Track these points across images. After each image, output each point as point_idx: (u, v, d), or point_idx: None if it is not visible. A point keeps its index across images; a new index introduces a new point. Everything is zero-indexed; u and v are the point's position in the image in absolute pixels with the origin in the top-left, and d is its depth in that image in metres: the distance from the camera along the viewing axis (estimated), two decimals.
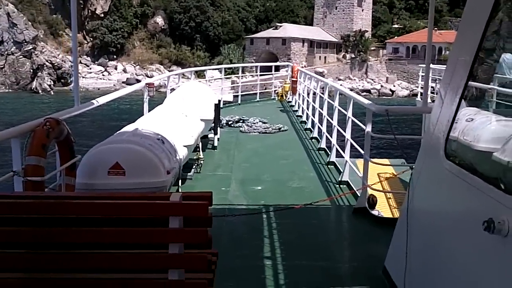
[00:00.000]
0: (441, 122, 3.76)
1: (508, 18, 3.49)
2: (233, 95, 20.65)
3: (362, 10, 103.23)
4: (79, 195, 3.55)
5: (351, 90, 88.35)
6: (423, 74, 16.31)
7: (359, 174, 7.62)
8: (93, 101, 7.42)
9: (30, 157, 4.76)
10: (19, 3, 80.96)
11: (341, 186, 8.47)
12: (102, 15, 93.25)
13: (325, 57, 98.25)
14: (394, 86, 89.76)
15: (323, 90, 13.06)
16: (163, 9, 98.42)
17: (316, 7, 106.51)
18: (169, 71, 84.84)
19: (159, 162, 6.06)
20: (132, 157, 5.97)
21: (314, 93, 14.08)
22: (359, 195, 7.29)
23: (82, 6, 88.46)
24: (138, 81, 54.77)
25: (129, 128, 7.30)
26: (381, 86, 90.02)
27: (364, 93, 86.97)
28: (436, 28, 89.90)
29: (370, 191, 7.19)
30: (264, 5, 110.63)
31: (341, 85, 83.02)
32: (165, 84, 13.77)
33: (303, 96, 17.35)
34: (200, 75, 39.07)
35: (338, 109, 10.03)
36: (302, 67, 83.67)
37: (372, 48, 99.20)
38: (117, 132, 7.25)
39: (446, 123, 3.62)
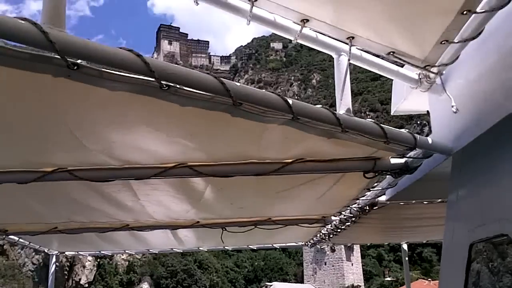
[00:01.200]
0: None
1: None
2: None
3: (352, 265, 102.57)
4: None
5: None
6: None
7: None
8: None
9: None
10: (1, 277, 79.50)
11: None
12: (87, 285, 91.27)
13: None
14: None
15: None
16: (150, 275, 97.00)
17: (305, 264, 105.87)
18: None
19: None
20: None
21: None
22: None
23: (66, 277, 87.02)
24: None
25: None
26: None
27: None
28: (429, 279, 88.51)
29: None
30: (253, 264, 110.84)
31: None
32: None
33: None
34: None
35: None
36: None
37: None
38: None
39: None
